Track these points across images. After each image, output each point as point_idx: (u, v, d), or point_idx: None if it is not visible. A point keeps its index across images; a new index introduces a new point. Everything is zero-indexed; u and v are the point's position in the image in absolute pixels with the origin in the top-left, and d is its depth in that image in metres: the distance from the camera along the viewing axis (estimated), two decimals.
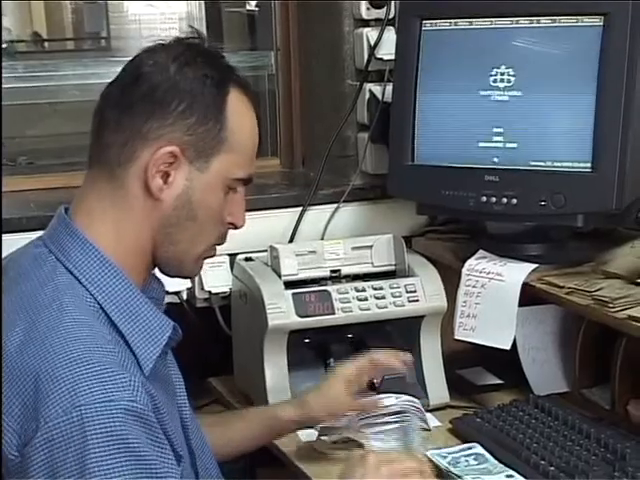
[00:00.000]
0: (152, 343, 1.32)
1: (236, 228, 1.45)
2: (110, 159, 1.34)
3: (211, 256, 1.46)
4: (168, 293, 2.07)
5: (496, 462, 1.73)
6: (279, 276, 1.98)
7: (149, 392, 1.24)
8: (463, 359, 2.13)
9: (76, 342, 1.23)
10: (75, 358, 1.21)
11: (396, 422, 1.90)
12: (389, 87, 2.20)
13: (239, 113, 1.39)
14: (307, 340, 2.00)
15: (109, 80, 1.38)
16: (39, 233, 1.41)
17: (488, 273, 1.95)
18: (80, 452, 1.16)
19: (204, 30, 2.65)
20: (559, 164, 1.88)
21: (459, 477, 1.68)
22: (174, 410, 1.39)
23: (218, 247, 1.99)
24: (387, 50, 2.22)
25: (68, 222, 1.35)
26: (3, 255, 1.44)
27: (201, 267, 1.46)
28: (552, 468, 1.67)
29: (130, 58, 1.38)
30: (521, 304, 1.91)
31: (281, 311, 1.91)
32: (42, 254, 1.35)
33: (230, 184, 1.40)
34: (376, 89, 2.27)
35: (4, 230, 1.76)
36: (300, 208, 2.24)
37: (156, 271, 1.45)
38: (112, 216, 1.35)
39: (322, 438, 1.85)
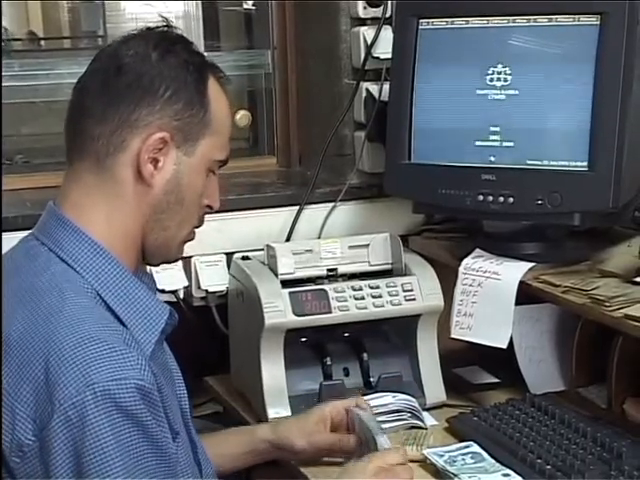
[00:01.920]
0: (150, 327, 1.34)
1: (211, 210, 1.48)
2: (97, 151, 1.35)
3: (192, 239, 1.49)
4: (164, 292, 2.10)
5: (493, 461, 1.73)
6: (276, 275, 1.99)
7: (152, 371, 1.26)
8: (460, 358, 2.13)
9: (81, 324, 1.25)
10: (83, 338, 1.23)
11: (393, 421, 1.91)
12: (386, 86, 2.20)
13: (217, 97, 1.42)
14: (304, 339, 2.00)
15: None
16: None
17: (485, 272, 1.95)
18: (96, 429, 1.19)
19: (201, 29, 2.65)
20: (556, 163, 1.88)
21: (456, 476, 1.68)
22: (172, 395, 1.40)
23: (215, 246, 2.01)
24: (384, 49, 2.22)
25: (59, 214, 1.36)
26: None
27: (182, 252, 1.49)
28: (549, 467, 1.67)
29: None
30: (518, 303, 1.91)
31: (278, 310, 1.91)
32: (34, 247, 1.36)
33: (211, 166, 1.43)
34: (373, 88, 2.27)
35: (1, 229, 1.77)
36: (297, 207, 2.24)
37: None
38: (103, 207, 1.36)
39: None
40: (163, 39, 1.39)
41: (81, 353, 1.21)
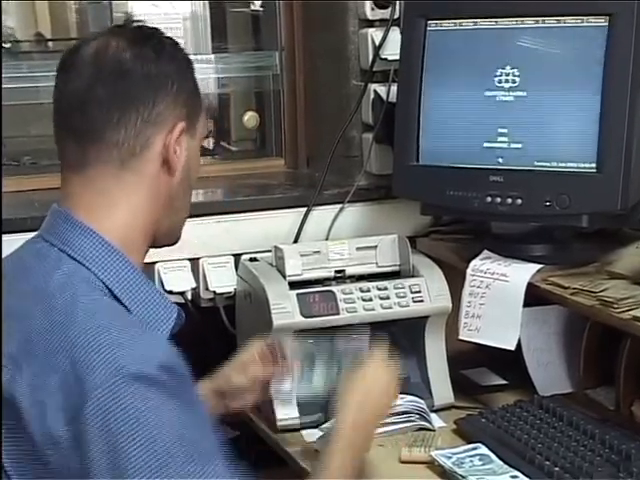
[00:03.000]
0: (161, 324, 1.36)
1: None
2: (121, 155, 1.37)
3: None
4: (172, 293, 2.10)
5: (501, 463, 1.72)
6: (284, 276, 1.99)
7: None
8: (467, 359, 2.13)
9: (98, 314, 1.27)
10: (103, 326, 1.24)
11: (401, 422, 1.91)
12: (394, 87, 2.20)
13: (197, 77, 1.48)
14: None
15: None
16: None
17: (493, 273, 1.95)
18: (133, 412, 1.19)
19: (208, 30, 2.66)
20: (564, 164, 1.89)
21: (464, 478, 1.68)
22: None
23: (223, 247, 2.02)
24: (392, 50, 2.23)
25: (67, 215, 1.37)
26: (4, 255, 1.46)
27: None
28: (557, 469, 1.67)
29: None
30: (526, 304, 1.90)
31: (286, 311, 1.91)
32: (43, 248, 1.37)
33: (202, 142, 1.50)
34: (381, 89, 2.27)
35: (8, 230, 1.77)
36: (305, 208, 2.25)
37: None
38: (122, 206, 1.38)
39: (326, 438, 1.85)
40: (147, 36, 1.42)
41: (104, 339, 1.23)
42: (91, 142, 1.37)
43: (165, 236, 1.47)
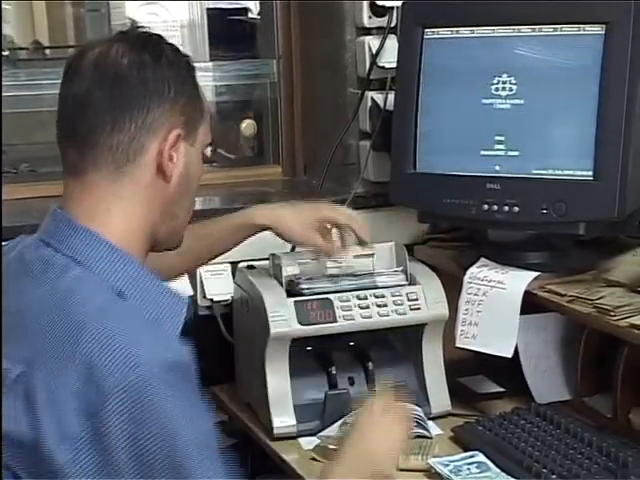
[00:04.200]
0: (173, 318, 1.36)
1: None
2: (115, 160, 1.37)
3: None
4: None
5: (498, 470, 1.73)
6: (281, 284, 1.99)
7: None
8: (465, 367, 2.13)
9: (109, 313, 1.27)
10: (115, 326, 1.25)
11: None
12: (391, 95, 2.21)
13: (199, 84, 1.48)
14: (309, 348, 2.00)
15: None
16: None
17: (490, 281, 1.95)
18: (153, 409, 1.20)
19: (206, 38, 2.66)
20: (561, 172, 1.89)
21: None
22: None
23: (221, 257, 2.02)
24: (389, 58, 2.23)
25: (69, 219, 1.37)
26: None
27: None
28: (554, 476, 1.67)
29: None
30: (523, 312, 1.91)
31: (283, 319, 1.91)
32: (47, 255, 1.36)
33: (205, 150, 1.49)
34: (378, 97, 2.27)
35: (7, 237, 1.77)
36: None
37: None
38: (118, 211, 1.38)
39: (323, 446, 1.85)
40: (147, 41, 1.42)
41: (118, 339, 1.23)
42: (88, 147, 1.37)
43: (164, 240, 1.47)
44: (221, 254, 1.97)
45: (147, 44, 1.42)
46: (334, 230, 1.96)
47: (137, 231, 1.40)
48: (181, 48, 1.48)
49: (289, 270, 2.00)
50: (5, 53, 2.61)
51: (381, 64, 2.26)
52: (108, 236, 1.36)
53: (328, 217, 1.95)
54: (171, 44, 1.46)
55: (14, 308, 1.33)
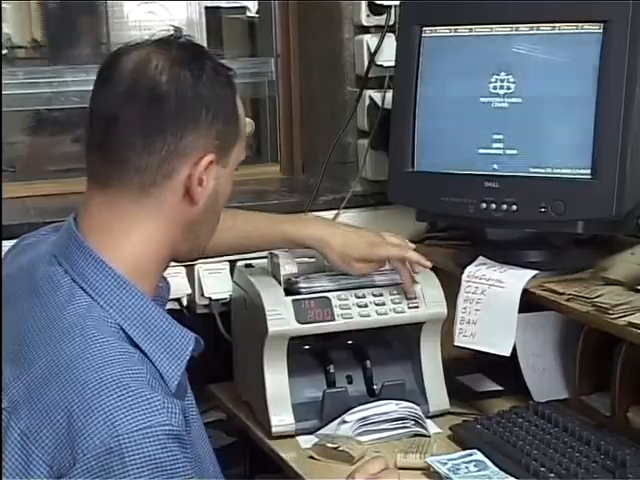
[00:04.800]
0: (176, 360, 1.32)
1: None
2: (142, 181, 1.33)
3: None
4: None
5: (496, 469, 1.72)
6: (279, 282, 1.98)
7: (180, 407, 1.23)
8: (463, 365, 2.13)
9: (105, 367, 1.22)
10: (107, 385, 1.20)
11: (396, 429, 1.91)
12: (389, 94, 2.21)
13: (240, 102, 1.42)
14: (307, 347, 2.00)
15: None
16: None
17: (488, 279, 1.95)
18: None
19: (204, 36, 2.66)
20: (559, 171, 1.89)
21: None
22: (188, 410, 1.39)
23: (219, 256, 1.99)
24: (387, 57, 2.23)
25: (81, 241, 1.33)
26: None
27: None
28: (552, 475, 1.67)
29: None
30: (521, 310, 1.90)
31: (281, 317, 1.91)
32: (57, 274, 1.33)
33: (236, 168, 1.44)
34: (376, 96, 2.28)
35: (5, 236, 1.77)
36: (300, 215, 2.24)
37: None
38: (139, 232, 1.34)
39: (321, 445, 1.85)
40: (188, 56, 1.36)
41: (105, 401, 1.18)
42: (115, 163, 1.33)
43: (185, 257, 1.44)
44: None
45: (188, 59, 1.34)
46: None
47: (154, 254, 1.36)
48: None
49: (287, 269, 1.99)
50: (3, 51, 2.61)
51: (379, 63, 2.26)
52: (120, 260, 1.32)
53: (381, 259, 1.95)
54: (212, 59, 1.38)
55: (16, 328, 1.30)
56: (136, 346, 1.29)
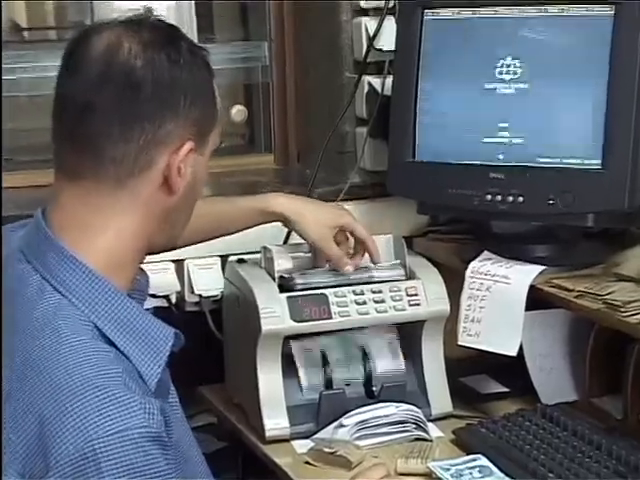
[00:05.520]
0: (154, 357, 1.31)
1: None
2: (118, 172, 1.32)
3: None
4: (156, 296, 2.10)
5: (502, 475, 1.72)
6: (273, 279, 1.98)
7: (159, 407, 1.22)
8: (467, 366, 2.13)
9: (77, 369, 1.21)
10: (79, 387, 1.19)
11: (396, 432, 1.91)
12: (389, 79, 2.20)
13: (216, 87, 1.42)
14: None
15: None
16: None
17: (493, 275, 1.95)
18: None
19: (194, 20, 2.65)
20: (568, 161, 1.89)
21: None
22: (170, 410, 1.39)
23: (209, 248, 2.00)
24: (387, 41, 2.23)
25: (52, 238, 1.33)
26: None
27: None
28: None
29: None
30: (528, 308, 1.91)
31: (275, 315, 1.91)
32: (25, 272, 1.32)
33: (212, 153, 1.44)
34: (375, 82, 2.27)
35: None
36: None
37: None
38: (113, 225, 1.33)
39: (318, 449, 1.85)
40: (163, 37, 1.35)
41: (78, 404, 1.18)
42: (89, 154, 1.32)
43: (160, 248, 1.44)
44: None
45: (162, 41, 1.34)
46: (350, 241, 2.00)
47: (129, 247, 1.35)
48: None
49: (282, 264, 2.00)
50: None
51: (378, 47, 2.25)
52: (93, 256, 1.31)
53: (348, 226, 1.98)
54: (187, 39, 1.38)
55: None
56: (111, 344, 1.28)
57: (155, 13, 1.40)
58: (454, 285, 2.00)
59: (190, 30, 2.65)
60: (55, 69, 1.36)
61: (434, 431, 1.95)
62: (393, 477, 1.62)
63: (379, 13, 2.26)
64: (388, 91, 2.20)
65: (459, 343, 1.97)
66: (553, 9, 1.90)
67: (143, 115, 1.31)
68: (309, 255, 2.03)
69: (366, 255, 2.01)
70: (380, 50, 2.26)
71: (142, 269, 1.45)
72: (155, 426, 1.19)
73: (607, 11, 1.84)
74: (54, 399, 1.19)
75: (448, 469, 1.75)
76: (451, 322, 2.00)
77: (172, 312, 2.14)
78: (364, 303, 1.97)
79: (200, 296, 2.19)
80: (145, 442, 1.18)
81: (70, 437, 1.16)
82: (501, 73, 1.94)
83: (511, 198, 1.92)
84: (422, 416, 1.94)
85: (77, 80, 1.33)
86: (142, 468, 1.17)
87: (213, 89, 1.41)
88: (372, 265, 2.02)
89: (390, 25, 2.23)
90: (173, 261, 2.15)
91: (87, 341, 1.26)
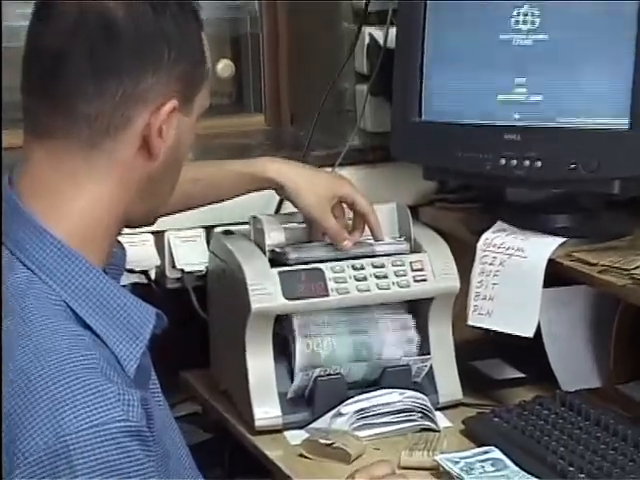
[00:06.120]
0: (134, 340, 1.30)
1: None
2: (92, 132, 1.31)
3: None
4: (133, 272, 2.09)
5: (517, 468, 1.73)
6: (264, 252, 1.98)
7: (139, 398, 1.21)
8: (478, 349, 2.16)
9: (47, 356, 1.20)
10: (50, 376, 1.18)
11: (400, 422, 1.91)
12: (392, 31, 2.20)
13: (206, 41, 1.41)
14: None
15: None
16: None
17: (507, 248, 1.95)
18: None
19: None
20: (591, 120, 1.89)
21: None
22: (151, 399, 1.38)
23: (192, 219, 1.98)
24: None
25: (19, 207, 1.32)
26: None
27: None
28: (582, 475, 1.68)
29: None
30: (546, 285, 1.91)
31: (266, 293, 1.90)
32: None
33: (200, 115, 1.43)
34: (377, 33, 2.27)
35: None
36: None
37: None
38: (87, 194, 1.32)
39: (313, 441, 1.85)
40: None
41: (49, 395, 1.17)
42: (60, 110, 1.31)
43: (139, 220, 1.43)
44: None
45: None
46: (349, 215, 2.00)
47: (104, 218, 1.34)
48: None
49: (273, 236, 2.00)
50: None
51: None
52: (64, 230, 1.31)
53: (349, 197, 1.98)
54: None
55: None
56: (86, 326, 1.27)
57: None
58: (464, 259, 2.00)
59: None
60: (24, 18, 1.35)
61: (442, 421, 1.95)
62: (397, 475, 1.62)
63: None
64: (391, 44, 2.20)
65: (469, 323, 1.98)
66: None
67: (121, 68, 1.30)
68: (303, 226, 2.02)
69: (367, 229, 1.99)
70: None
71: (118, 241, 1.45)
72: (135, 420, 1.18)
73: None
74: (22, 389, 1.18)
75: (457, 462, 1.75)
76: (460, 300, 2.00)
77: (151, 289, 2.14)
78: (364, 279, 1.97)
79: (182, 271, 2.18)
80: (123, 438, 1.17)
81: (39, 432, 1.15)
82: (517, 23, 1.94)
83: (528, 162, 1.92)
84: (429, 404, 1.94)
85: (49, 28, 1.31)
86: (120, 466, 1.17)
87: (202, 44, 1.39)
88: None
89: None
90: (152, 233, 2.15)
91: (58, 324, 1.25)
